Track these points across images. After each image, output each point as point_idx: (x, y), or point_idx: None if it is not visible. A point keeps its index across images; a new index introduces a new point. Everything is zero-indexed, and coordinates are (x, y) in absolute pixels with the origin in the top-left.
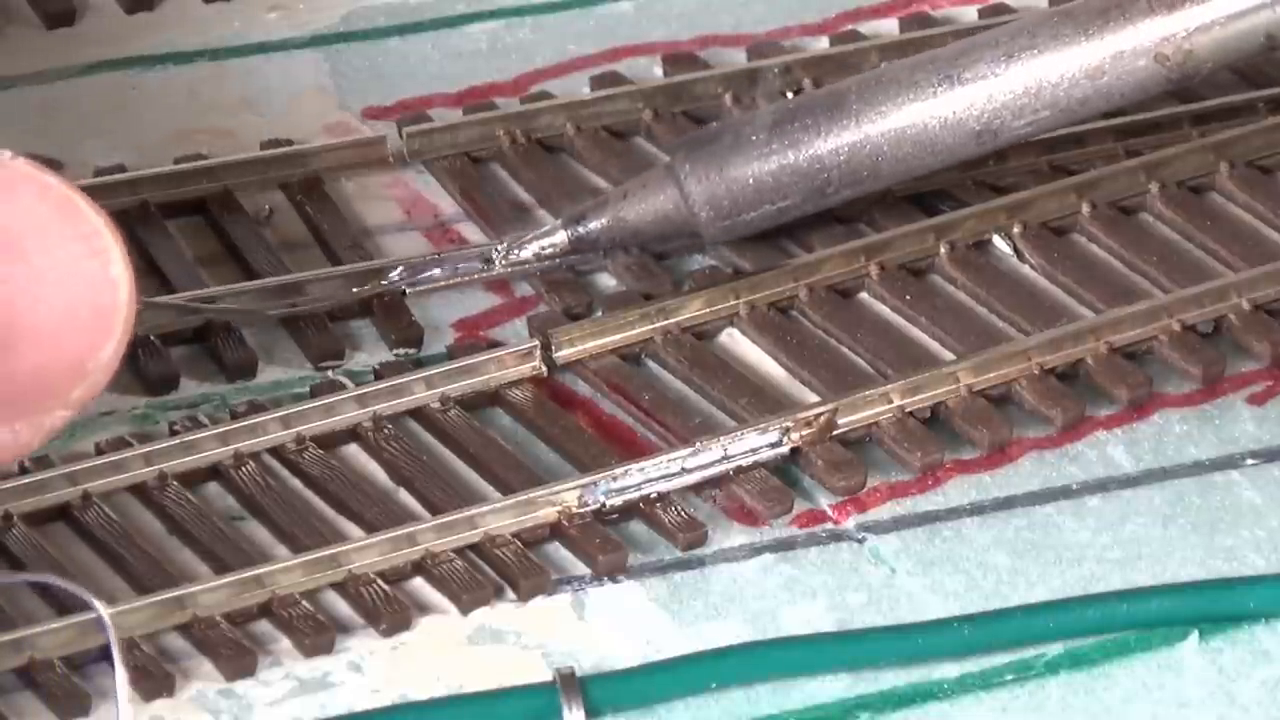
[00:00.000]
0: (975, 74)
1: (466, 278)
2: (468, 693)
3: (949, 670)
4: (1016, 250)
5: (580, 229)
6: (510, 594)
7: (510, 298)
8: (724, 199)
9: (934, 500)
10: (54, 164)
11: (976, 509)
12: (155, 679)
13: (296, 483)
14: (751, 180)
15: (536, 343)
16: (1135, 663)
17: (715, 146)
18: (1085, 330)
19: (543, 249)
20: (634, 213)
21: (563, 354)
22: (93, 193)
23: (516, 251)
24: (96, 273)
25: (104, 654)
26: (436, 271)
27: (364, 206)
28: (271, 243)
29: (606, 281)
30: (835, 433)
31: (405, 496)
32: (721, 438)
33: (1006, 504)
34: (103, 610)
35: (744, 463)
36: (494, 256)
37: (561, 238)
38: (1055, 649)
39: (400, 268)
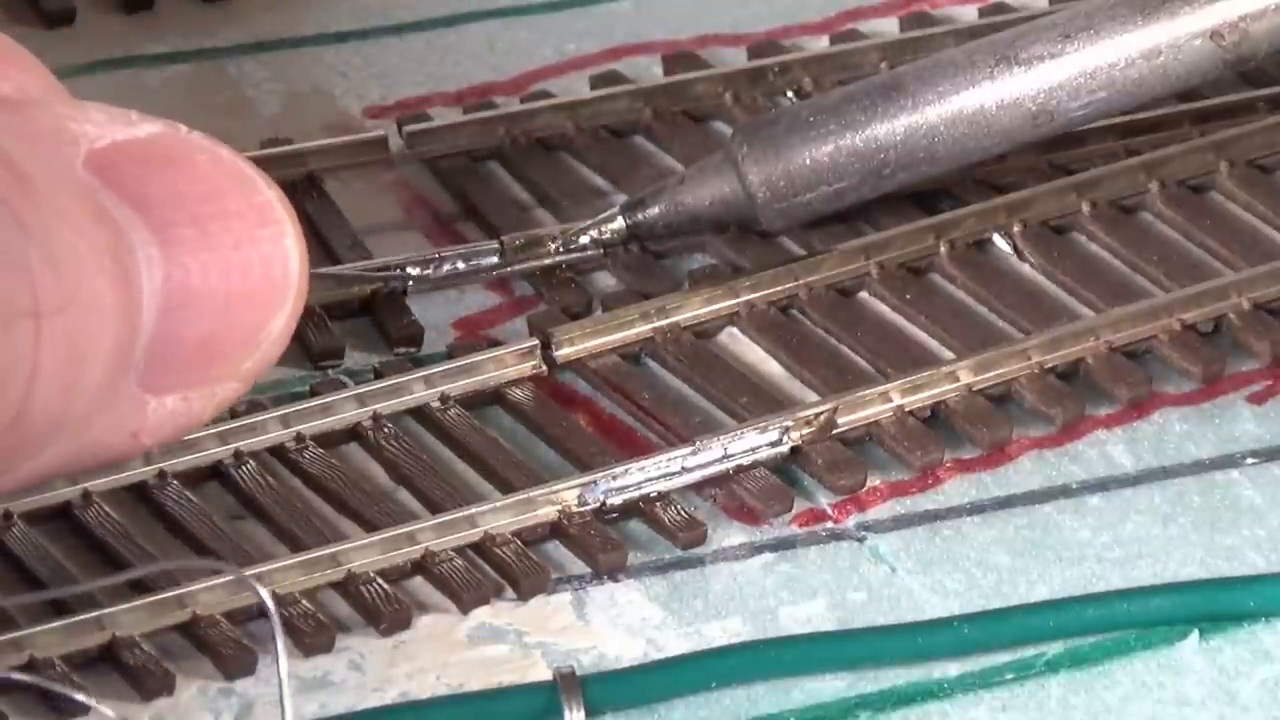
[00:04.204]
0: (1032, 55)
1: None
2: (468, 692)
3: (949, 669)
4: (1016, 249)
5: (638, 214)
6: (510, 593)
7: (510, 297)
8: (781, 180)
9: (934, 499)
10: None
11: (976, 508)
12: (155, 678)
13: (296, 482)
14: (809, 162)
15: (536, 342)
16: (1135, 662)
17: (773, 129)
18: (1085, 329)
19: (600, 235)
20: (692, 197)
21: (563, 353)
22: None
23: (575, 238)
24: (269, 243)
25: (102, 654)
26: (461, 265)
27: (364, 206)
28: None
29: (606, 281)
30: (835, 432)
31: (405, 495)
32: (721, 437)
33: (1006, 503)
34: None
35: (744, 462)
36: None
37: (619, 224)
38: (1055, 648)
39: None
